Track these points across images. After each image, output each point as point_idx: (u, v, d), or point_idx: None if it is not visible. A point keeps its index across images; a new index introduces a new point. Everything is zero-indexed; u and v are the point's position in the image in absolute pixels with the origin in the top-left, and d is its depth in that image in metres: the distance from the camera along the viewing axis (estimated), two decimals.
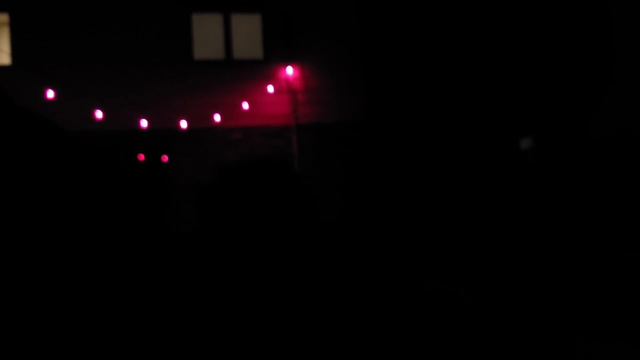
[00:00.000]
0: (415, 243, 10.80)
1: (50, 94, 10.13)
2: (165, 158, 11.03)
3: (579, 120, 11.20)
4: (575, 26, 11.80)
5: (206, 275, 1.41)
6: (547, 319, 6.35)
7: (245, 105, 11.09)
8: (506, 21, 13.15)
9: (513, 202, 8.47)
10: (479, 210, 9.15)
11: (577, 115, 11.28)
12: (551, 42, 12.62)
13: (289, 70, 11.36)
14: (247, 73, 11.31)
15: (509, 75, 12.95)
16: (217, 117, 10.95)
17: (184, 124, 10.81)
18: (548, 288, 7.01)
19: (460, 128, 13.20)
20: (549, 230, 7.35)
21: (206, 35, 11.31)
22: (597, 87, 10.62)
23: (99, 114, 10.33)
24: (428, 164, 11.76)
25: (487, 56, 13.37)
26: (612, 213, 6.88)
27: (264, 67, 11.43)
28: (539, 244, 7.37)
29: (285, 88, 11.39)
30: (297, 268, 1.38)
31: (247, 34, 11.49)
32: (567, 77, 11.83)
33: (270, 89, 11.26)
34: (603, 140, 8.64)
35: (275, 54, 11.46)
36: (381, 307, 1.43)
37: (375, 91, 12.55)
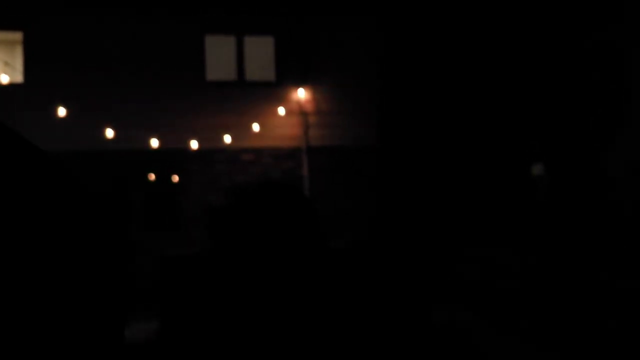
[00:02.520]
0: (427, 266, 10.73)
1: (61, 112, 10.19)
2: (175, 178, 11.05)
3: (591, 154, 11.15)
4: (592, 63, 11.80)
5: (215, 295, 1.40)
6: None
7: (257, 127, 11.11)
8: (521, 52, 13.18)
9: (521, 226, 8.41)
10: (488, 237, 9.09)
11: (590, 148, 11.24)
12: (569, 74, 12.63)
13: (301, 92, 11.40)
14: (259, 95, 11.35)
15: (522, 103, 12.95)
16: (228, 138, 10.96)
17: (195, 144, 10.83)
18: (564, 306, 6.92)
19: (473, 154, 13.17)
20: (557, 257, 7.28)
21: (219, 57, 11.38)
22: (612, 124, 10.59)
23: (110, 133, 10.37)
24: (439, 190, 11.72)
25: (499, 82, 13.37)
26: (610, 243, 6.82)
27: (276, 89, 11.47)
28: (547, 269, 7.29)
29: (296, 110, 11.42)
30: (304, 294, 1.36)
31: (260, 56, 11.55)
32: (582, 111, 11.81)
33: (282, 111, 11.28)
34: (615, 178, 8.59)
35: (288, 76, 11.51)
36: (388, 339, 1.41)
37: (387, 115, 12.57)
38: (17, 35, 10.75)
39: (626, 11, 10.34)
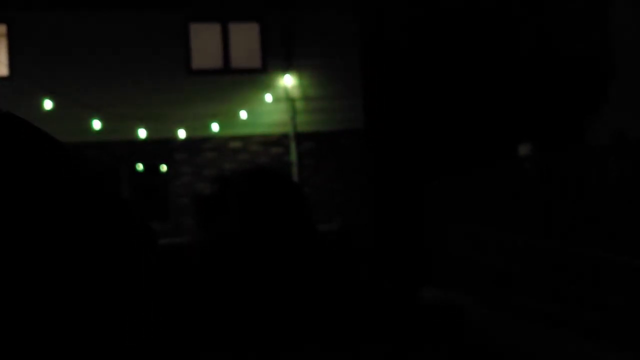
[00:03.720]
0: (415, 248, 10.79)
1: (48, 104, 10.13)
2: (163, 168, 11.04)
3: (576, 126, 11.23)
4: (576, 34, 11.84)
5: (203, 283, 1.41)
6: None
7: (244, 114, 11.10)
8: (506, 32, 13.21)
9: (509, 206, 8.47)
10: (475, 214, 9.15)
11: (576, 121, 11.32)
12: (550, 50, 12.67)
13: (288, 78, 11.38)
14: (245, 82, 11.33)
15: (508, 82, 12.99)
16: (215, 126, 10.95)
17: (182, 133, 10.81)
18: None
19: (458, 133, 13.22)
20: (544, 236, 7.35)
21: (204, 45, 11.33)
22: (598, 97, 10.67)
23: (96, 125, 10.33)
24: (426, 170, 11.77)
25: (485, 62, 13.41)
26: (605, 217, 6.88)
27: (263, 76, 11.45)
28: (532, 248, 7.37)
29: (283, 96, 11.41)
30: (294, 277, 1.38)
31: (246, 43, 11.50)
32: (568, 89, 11.87)
33: (269, 97, 11.27)
34: (600, 147, 8.66)
35: (274, 63, 11.48)
36: (375, 316, 1.43)
37: (374, 99, 12.58)
38: (1, 28, 10.67)
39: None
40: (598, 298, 6.25)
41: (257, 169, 1.49)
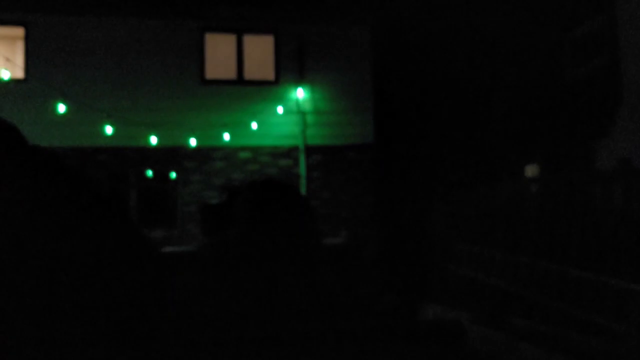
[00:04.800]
0: (420, 263, 10.80)
1: (61, 108, 10.25)
2: (173, 175, 11.12)
3: (584, 151, 11.24)
4: (586, 60, 11.87)
5: (209, 291, 1.42)
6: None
7: (255, 125, 11.18)
8: (518, 48, 13.24)
9: (514, 227, 8.48)
10: (480, 234, 9.16)
11: (583, 145, 11.33)
12: (560, 72, 12.70)
13: (299, 91, 11.47)
14: (257, 93, 11.42)
15: (518, 103, 13.03)
16: (226, 136, 11.04)
17: (193, 141, 10.91)
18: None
19: (468, 151, 13.24)
20: (549, 257, 7.36)
21: (218, 55, 11.44)
22: (606, 122, 10.69)
23: (108, 130, 10.44)
24: (433, 188, 11.80)
25: (496, 81, 13.45)
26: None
27: (275, 88, 11.54)
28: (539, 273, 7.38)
29: (294, 109, 11.49)
30: (298, 289, 1.39)
31: (260, 55, 11.61)
32: (577, 113, 11.88)
33: (280, 109, 11.35)
34: (606, 172, 8.67)
35: (286, 76, 11.58)
36: (373, 331, 1.43)
37: (384, 114, 12.64)
38: (19, 31, 10.81)
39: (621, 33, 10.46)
40: (600, 323, 6.25)
41: (265, 180, 1.52)
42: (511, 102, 12.96)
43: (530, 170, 9.16)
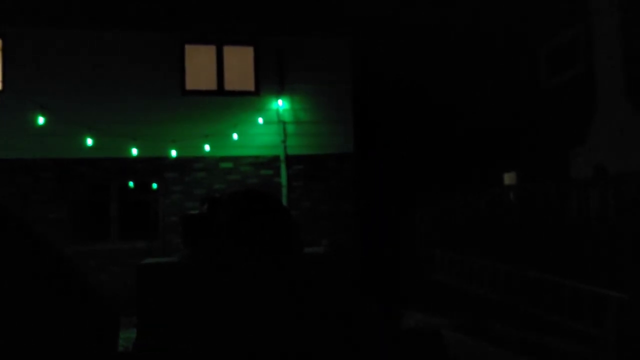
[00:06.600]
0: (401, 272, 10.88)
1: (41, 120, 10.22)
2: (154, 186, 11.10)
3: (562, 158, 11.40)
4: (562, 70, 12.05)
5: (191, 302, 1.45)
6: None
7: (236, 136, 11.21)
8: (493, 66, 13.40)
9: (493, 234, 8.58)
10: (461, 241, 9.25)
11: (561, 153, 11.49)
12: (538, 81, 12.88)
13: (280, 102, 11.52)
14: (238, 104, 11.45)
15: (497, 112, 13.18)
16: (207, 147, 11.06)
17: (174, 152, 10.91)
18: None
19: (446, 160, 13.37)
20: (526, 263, 7.46)
21: (199, 66, 11.47)
22: (580, 127, 10.85)
23: (89, 142, 10.42)
24: (415, 195, 11.89)
25: (473, 92, 13.60)
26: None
27: (255, 99, 11.58)
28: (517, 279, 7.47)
29: (275, 119, 11.53)
30: (278, 300, 1.40)
31: (240, 66, 11.65)
32: (554, 122, 12.04)
33: (261, 120, 11.40)
34: (582, 180, 8.82)
35: (267, 86, 11.63)
36: (354, 339, 1.45)
37: (363, 124, 12.74)
38: None
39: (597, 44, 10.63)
40: (577, 329, 6.35)
41: (247, 190, 1.54)
42: (488, 112, 13.11)
43: (509, 178, 9.27)
